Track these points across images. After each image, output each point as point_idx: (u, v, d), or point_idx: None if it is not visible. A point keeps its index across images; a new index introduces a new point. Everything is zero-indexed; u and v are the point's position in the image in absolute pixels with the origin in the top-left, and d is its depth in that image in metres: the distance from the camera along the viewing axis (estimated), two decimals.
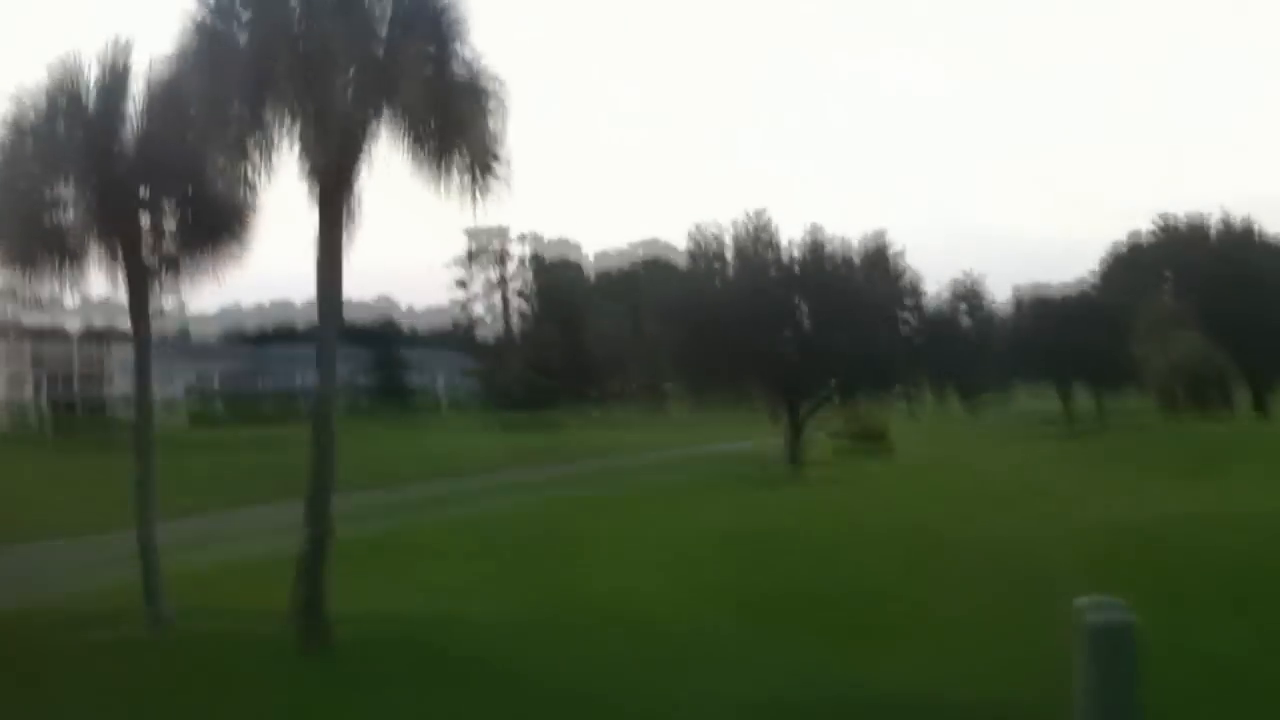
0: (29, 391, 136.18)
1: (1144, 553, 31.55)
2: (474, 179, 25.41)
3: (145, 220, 26.71)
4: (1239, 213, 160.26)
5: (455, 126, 25.12)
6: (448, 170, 25.31)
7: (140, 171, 26.34)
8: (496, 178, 25.54)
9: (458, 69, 25.33)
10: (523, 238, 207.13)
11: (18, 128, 25.63)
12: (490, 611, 28.10)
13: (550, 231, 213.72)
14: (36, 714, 20.04)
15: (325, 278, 25.55)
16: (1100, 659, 12.43)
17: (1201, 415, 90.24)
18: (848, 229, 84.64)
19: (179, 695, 21.08)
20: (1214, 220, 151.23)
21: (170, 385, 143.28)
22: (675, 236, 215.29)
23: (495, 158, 25.53)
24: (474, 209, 25.37)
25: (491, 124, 25.42)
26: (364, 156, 25.07)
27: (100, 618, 27.67)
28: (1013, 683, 18.98)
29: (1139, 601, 13.52)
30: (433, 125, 25.12)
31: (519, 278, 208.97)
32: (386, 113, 25.02)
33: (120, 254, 26.58)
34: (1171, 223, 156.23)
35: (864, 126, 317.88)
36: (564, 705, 19.69)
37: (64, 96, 25.91)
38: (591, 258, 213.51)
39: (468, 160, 25.30)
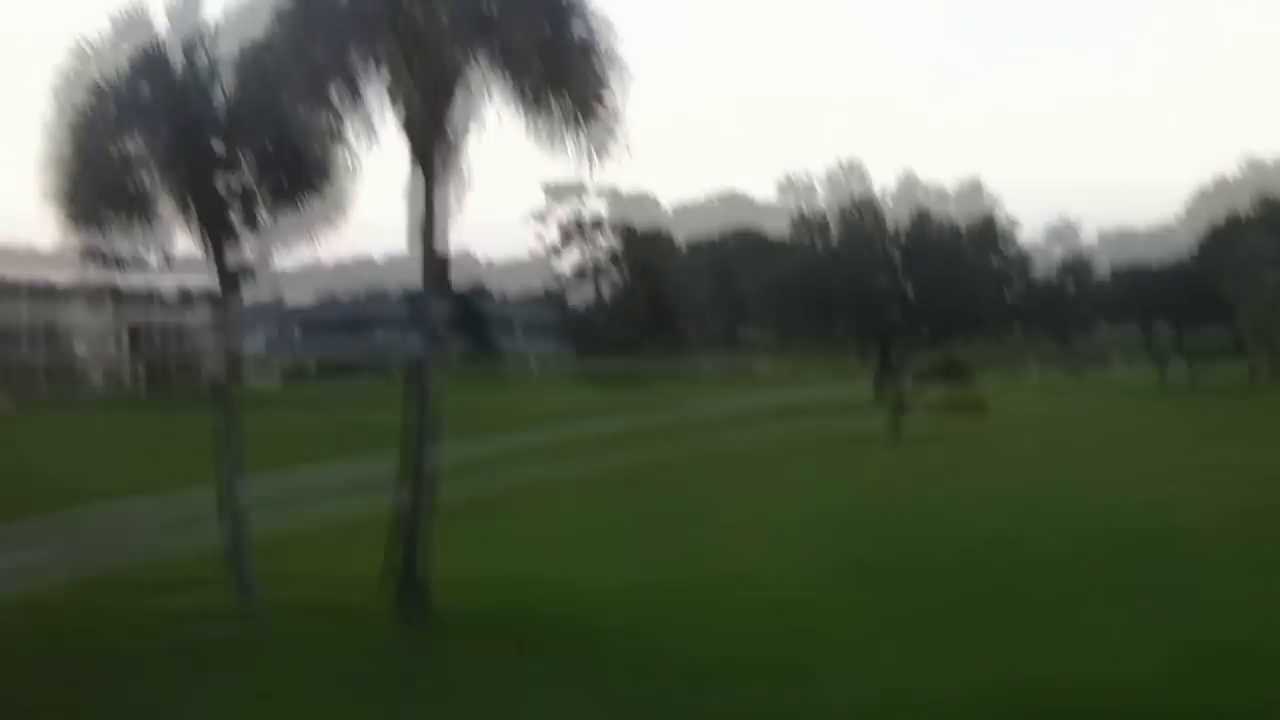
0: (122, 353, 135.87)
1: None
2: (578, 130, 23.95)
3: (230, 180, 25.05)
4: None
5: (560, 72, 23.63)
6: (548, 120, 23.89)
7: (224, 130, 24.72)
8: (603, 129, 24.06)
9: (563, 10, 23.84)
10: (600, 192, 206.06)
11: (97, 86, 23.87)
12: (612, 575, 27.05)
13: (625, 183, 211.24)
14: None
15: (423, 233, 24.24)
16: None
17: None
18: (935, 172, 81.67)
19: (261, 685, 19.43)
20: None
21: (258, 343, 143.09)
22: (753, 185, 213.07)
23: (602, 107, 23.98)
24: (579, 160, 23.89)
25: (599, 71, 23.89)
26: (460, 106, 23.72)
27: (183, 582, 26.74)
28: None
29: None
30: (536, 72, 23.64)
31: (600, 232, 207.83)
32: (485, 60, 23.62)
33: (204, 215, 24.90)
34: (1257, 163, 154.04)
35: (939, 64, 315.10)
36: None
37: (143, 53, 24.15)
38: (670, 213, 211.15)
39: (572, 110, 23.80)
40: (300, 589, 25.82)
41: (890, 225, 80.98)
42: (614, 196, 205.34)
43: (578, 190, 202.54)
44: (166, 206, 24.79)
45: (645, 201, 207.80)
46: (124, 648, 21.75)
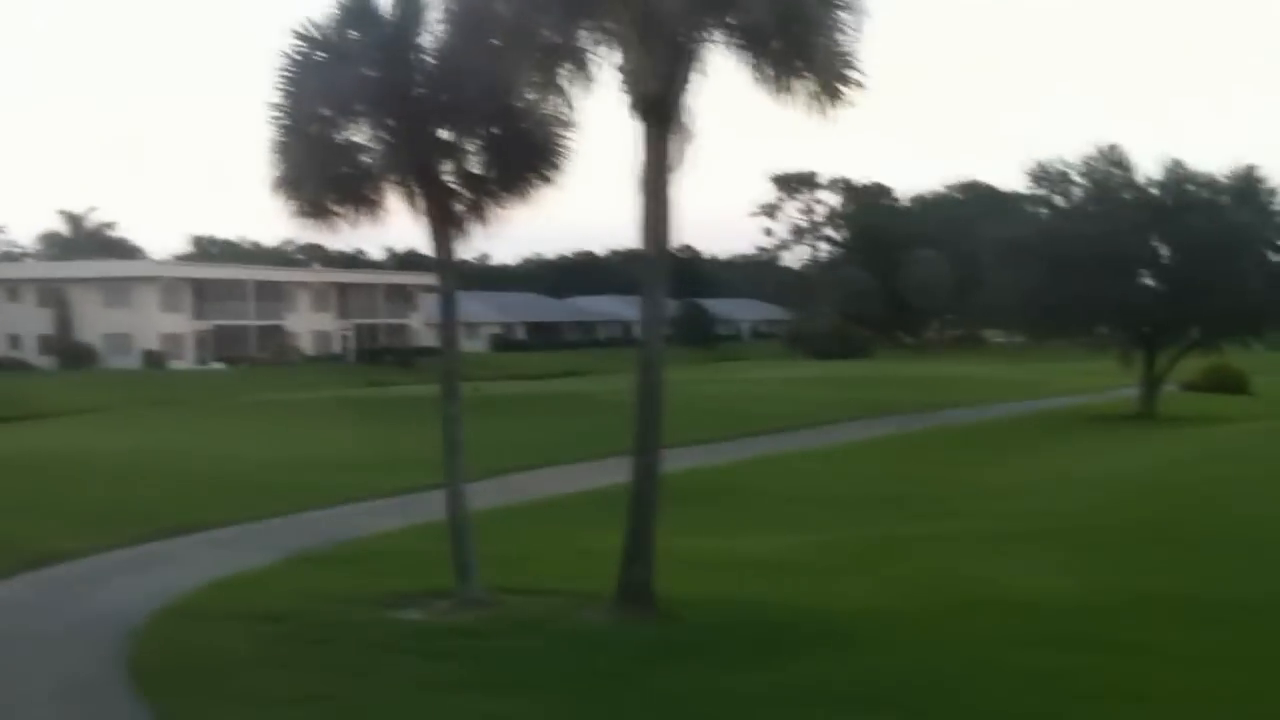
0: (340, 343, 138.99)
1: None
2: (821, 105, 22.77)
3: (448, 164, 23.85)
4: None
5: (803, 50, 22.30)
6: (789, 96, 22.77)
7: (441, 111, 23.71)
8: (847, 104, 22.91)
9: None
10: (833, 184, 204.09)
11: (304, 63, 22.87)
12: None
13: (861, 176, 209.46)
14: None
15: (651, 220, 23.30)
16: None
17: None
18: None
19: None
20: None
21: (475, 338, 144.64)
22: (996, 179, 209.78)
23: (846, 81, 22.70)
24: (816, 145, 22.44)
25: (844, 47, 22.51)
26: (693, 83, 22.60)
27: (408, 593, 25.46)
28: None
29: None
30: (777, 50, 22.47)
31: (829, 224, 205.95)
32: (721, 32, 22.50)
33: (422, 202, 23.73)
34: None
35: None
36: None
37: (353, 28, 23.14)
38: (906, 202, 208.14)
39: (814, 84, 22.53)
40: (529, 606, 24.46)
41: (1144, 186, 78.04)
42: (845, 186, 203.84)
43: (808, 181, 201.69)
44: (380, 192, 23.95)
45: (878, 190, 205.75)
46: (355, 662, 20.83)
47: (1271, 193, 78.43)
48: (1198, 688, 18.51)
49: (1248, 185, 77.94)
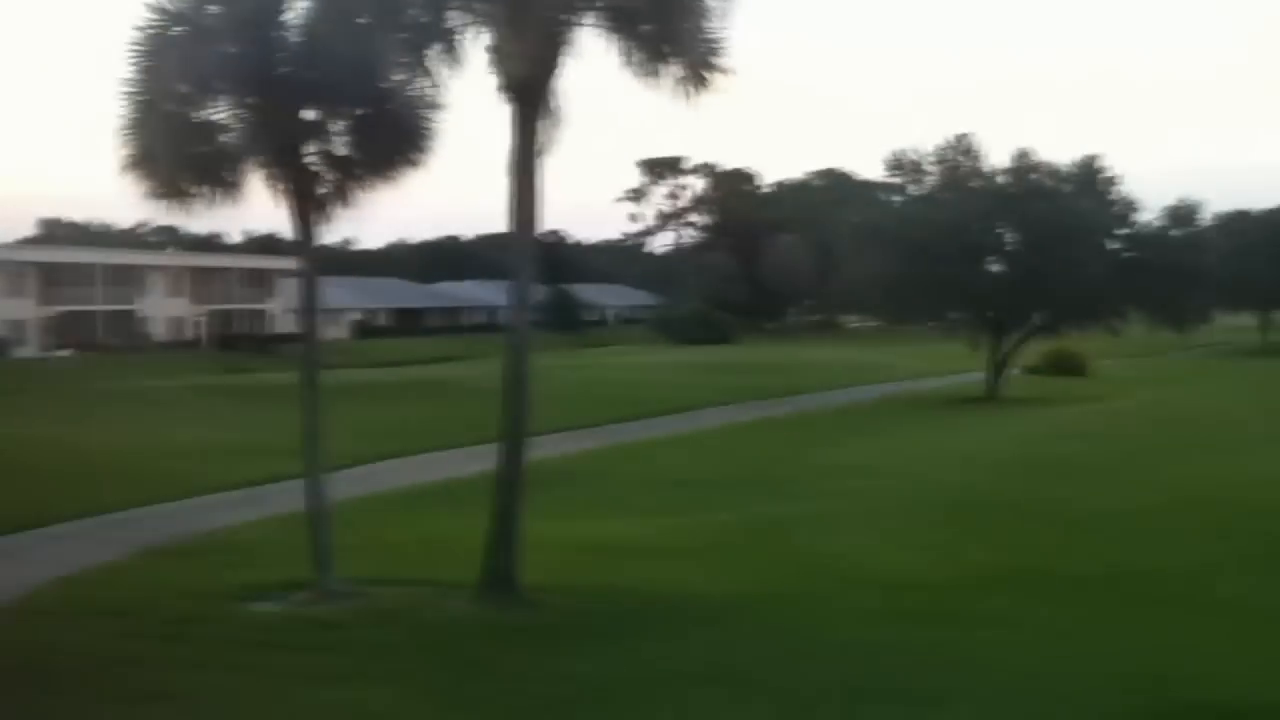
0: (196, 329, 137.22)
1: None
2: (689, 90, 22.82)
3: (312, 145, 23.31)
4: None
5: (672, 34, 22.36)
6: (658, 80, 22.75)
7: (306, 90, 23.07)
8: (714, 90, 22.98)
9: None
10: (697, 169, 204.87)
11: (160, 38, 22.22)
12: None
13: (726, 162, 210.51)
14: None
15: (519, 204, 23.27)
16: None
17: None
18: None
19: None
20: None
21: (337, 324, 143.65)
22: (855, 167, 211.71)
23: (713, 66, 22.74)
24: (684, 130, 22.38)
25: (712, 28, 22.58)
26: (563, 66, 22.58)
27: (266, 585, 24.89)
28: None
29: None
30: (647, 34, 22.48)
31: (695, 210, 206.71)
32: (592, 15, 22.51)
33: (284, 184, 23.21)
34: None
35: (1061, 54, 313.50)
36: None
37: (213, 3, 22.56)
38: (768, 188, 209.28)
39: (683, 69, 22.52)
40: (394, 598, 24.09)
41: (992, 175, 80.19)
42: (712, 174, 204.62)
43: (674, 166, 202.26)
44: (241, 173, 23.22)
45: (742, 176, 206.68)
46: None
47: (1111, 182, 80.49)
48: (1043, 657, 19.08)
49: (1089, 175, 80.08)
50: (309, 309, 25.21)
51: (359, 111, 23.35)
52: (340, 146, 23.47)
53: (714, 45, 22.45)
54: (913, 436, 55.93)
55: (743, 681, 17.83)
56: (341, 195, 23.56)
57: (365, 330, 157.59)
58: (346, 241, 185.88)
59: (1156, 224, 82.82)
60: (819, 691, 17.15)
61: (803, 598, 23.86)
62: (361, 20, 22.33)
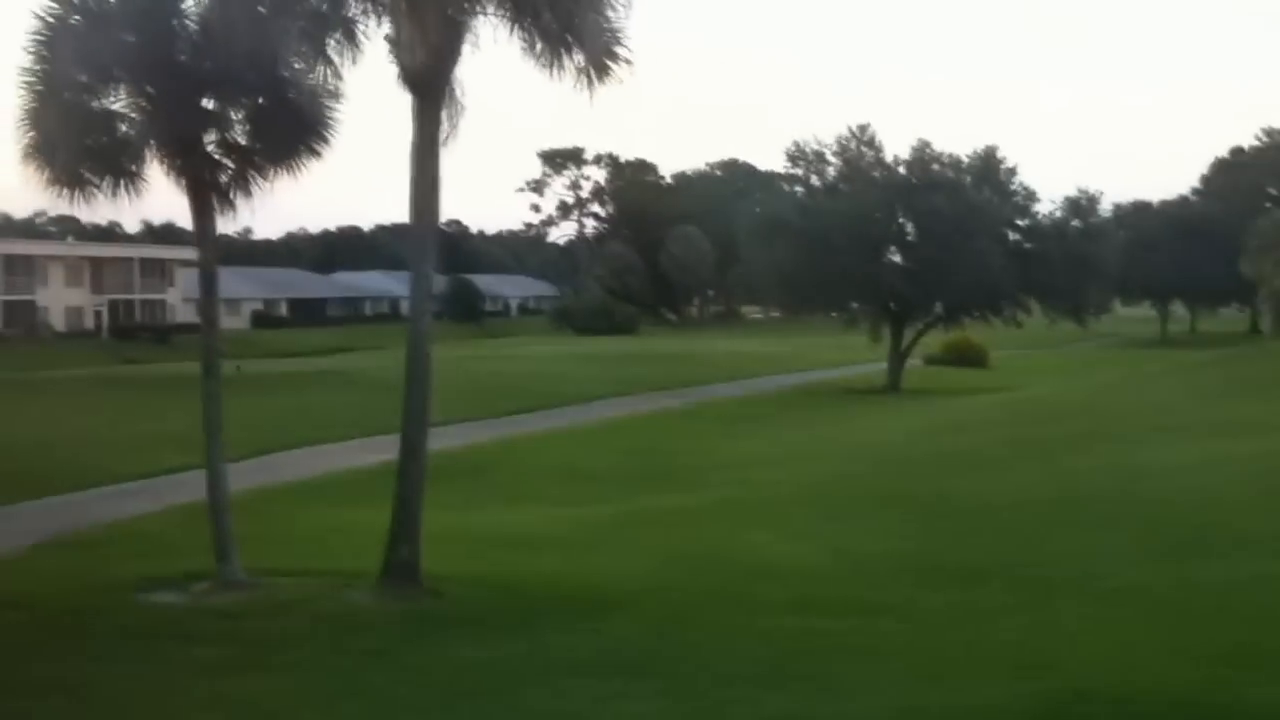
0: (91, 319, 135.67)
1: None
2: (590, 81, 22.74)
3: (211, 135, 23.22)
4: None
5: (572, 25, 22.27)
6: (560, 71, 22.67)
7: (205, 79, 22.94)
8: (615, 80, 23.00)
9: None
10: (598, 159, 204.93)
11: (58, 26, 22.03)
12: None
13: (626, 153, 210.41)
14: None
15: (419, 194, 23.23)
16: None
17: None
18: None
19: None
20: None
21: (237, 314, 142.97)
22: (757, 159, 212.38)
23: (615, 57, 22.76)
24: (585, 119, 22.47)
25: (613, 24, 22.62)
26: (463, 55, 22.67)
27: (165, 577, 24.65)
28: None
29: None
30: (547, 24, 22.39)
31: (595, 201, 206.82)
32: (492, 5, 22.41)
33: (184, 173, 23.08)
34: (1276, 135, 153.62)
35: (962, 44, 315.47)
36: None
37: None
38: (669, 179, 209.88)
39: (584, 60, 22.50)
40: (294, 589, 24.00)
41: (892, 164, 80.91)
42: (611, 162, 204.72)
43: (575, 157, 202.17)
44: (140, 163, 23.06)
45: (643, 167, 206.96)
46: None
47: (1011, 173, 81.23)
48: (938, 646, 19.18)
49: (988, 166, 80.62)
50: (208, 299, 25.07)
51: (259, 100, 23.23)
52: (240, 135, 23.38)
53: (615, 36, 22.47)
54: (813, 428, 56.25)
55: (642, 671, 17.82)
56: (241, 184, 23.46)
57: (265, 320, 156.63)
58: (246, 231, 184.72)
59: (1056, 215, 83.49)
60: (719, 680, 17.20)
61: (702, 588, 23.96)
62: (261, 9, 22.18)
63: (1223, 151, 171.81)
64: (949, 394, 72.67)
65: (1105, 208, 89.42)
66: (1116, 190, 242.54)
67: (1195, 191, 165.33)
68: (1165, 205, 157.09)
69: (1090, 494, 33.03)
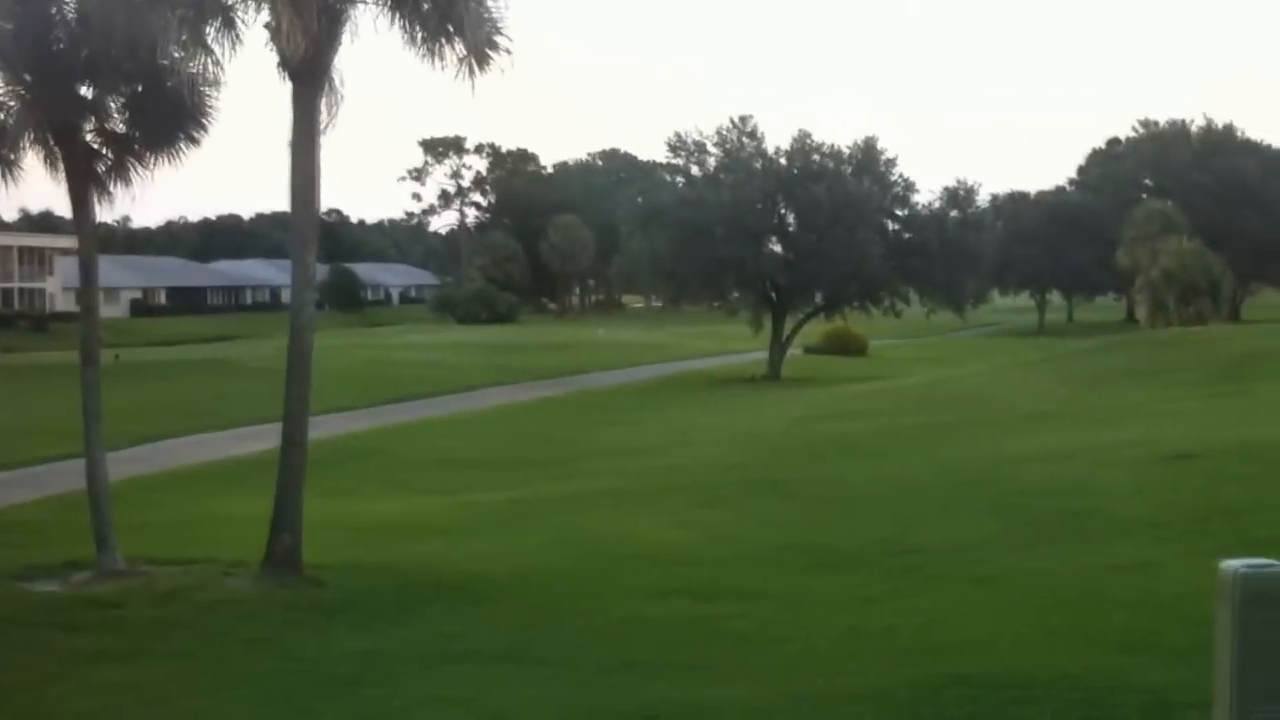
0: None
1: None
2: (470, 70, 22.59)
3: (90, 123, 23.09)
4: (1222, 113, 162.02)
5: (453, 14, 22.32)
6: (440, 60, 22.69)
7: (83, 67, 22.93)
8: (494, 69, 22.95)
9: None
10: (479, 149, 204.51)
11: None
12: None
13: (507, 143, 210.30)
14: None
15: (299, 183, 23.11)
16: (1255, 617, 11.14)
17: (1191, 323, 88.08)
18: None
19: None
20: (1195, 124, 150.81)
21: (116, 303, 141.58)
22: (638, 149, 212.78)
23: (495, 46, 22.72)
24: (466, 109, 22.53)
25: (493, 14, 22.71)
26: (343, 44, 22.65)
27: (44, 566, 24.48)
28: None
29: None
30: (427, 13, 22.50)
31: (476, 190, 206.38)
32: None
33: (62, 161, 22.94)
34: (1152, 126, 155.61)
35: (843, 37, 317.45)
36: None
37: None
38: (550, 169, 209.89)
39: (464, 49, 22.44)
40: (176, 577, 23.87)
41: (773, 155, 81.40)
42: (492, 152, 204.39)
43: (456, 146, 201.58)
44: (17, 150, 23.07)
45: (524, 157, 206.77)
46: None
47: (890, 164, 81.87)
48: (820, 631, 19.38)
49: (868, 157, 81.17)
50: (87, 288, 24.90)
51: (137, 88, 23.21)
52: (119, 123, 23.34)
53: (495, 26, 22.49)
54: (693, 416, 56.51)
55: (525, 658, 17.97)
56: (120, 172, 23.39)
57: (144, 309, 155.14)
58: (125, 219, 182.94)
59: (935, 205, 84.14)
60: (600, 667, 17.36)
61: (584, 575, 24.08)
62: None
63: (1099, 143, 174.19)
64: (829, 383, 73.07)
65: (983, 199, 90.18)
66: (996, 182, 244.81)
67: (1072, 182, 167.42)
68: (1042, 196, 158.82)
69: (968, 480, 33.34)
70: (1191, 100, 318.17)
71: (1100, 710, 14.02)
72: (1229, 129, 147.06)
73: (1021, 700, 14.79)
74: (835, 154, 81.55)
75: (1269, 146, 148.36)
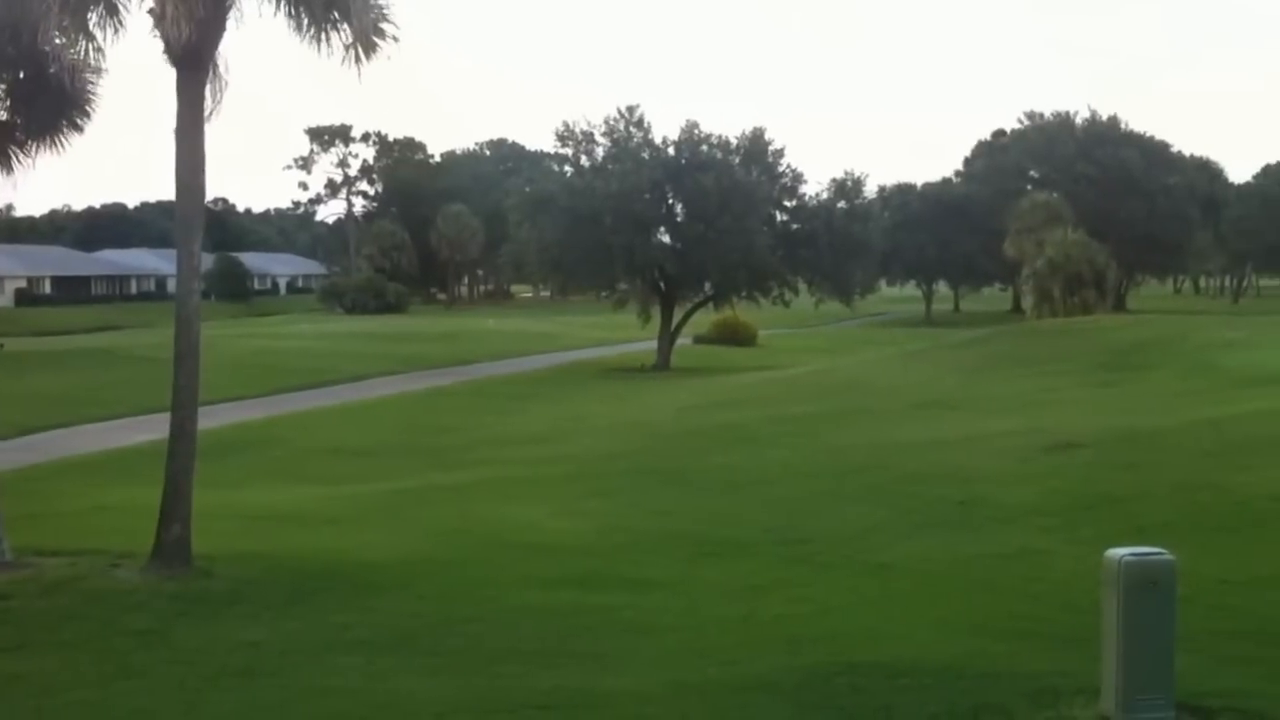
0: None
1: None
2: (357, 57, 22.43)
3: None
4: (1105, 109, 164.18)
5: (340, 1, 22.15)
6: (327, 46, 22.55)
7: None
8: (381, 56, 22.83)
9: None
10: (366, 137, 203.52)
11: None
12: None
13: (394, 132, 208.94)
14: None
15: (184, 171, 22.75)
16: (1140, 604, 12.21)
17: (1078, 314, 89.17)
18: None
19: None
20: (1080, 116, 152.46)
21: (1, 292, 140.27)
22: (526, 139, 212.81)
23: (381, 33, 22.62)
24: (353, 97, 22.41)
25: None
26: (228, 30, 22.34)
27: None
28: None
29: None
30: None
31: (364, 179, 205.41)
32: None
33: None
34: (1037, 118, 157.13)
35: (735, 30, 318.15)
36: None
37: None
38: (438, 158, 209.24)
39: (350, 36, 22.26)
40: (64, 568, 23.64)
41: (661, 145, 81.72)
42: (379, 141, 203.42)
43: (343, 135, 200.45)
44: None
45: (412, 145, 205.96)
46: None
47: (779, 154, 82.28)
48: (712, 620, 19.50)
49: (756, 147, 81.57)
50: None
51: (19, 75, 22.93)
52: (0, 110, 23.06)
53: (382, 13, 22.39)
54: (582, 406, 56.57)
55: (417, 647, 17.91)
56: (1, 160, 23.12)
57: (28, 298, 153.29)
58: (7, 207, 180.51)
59: (823, 196, 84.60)
60: (492, 657, 17.32)
61: (477, 564, 24.11)
62: None
63: (985, 134, 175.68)
64: (718, 372, 73.55)
65: (870, 190, 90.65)
66: (885, 178, 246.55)
67: (958, 173, 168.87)
68: (928, 187, 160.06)
69: (855, 469, 33.65)
70: (1077, 101, 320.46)
71: (989, 697, 14.05)
72: (1113, 120, 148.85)
73: (911, 688, 14.77)
74: (723, 144, 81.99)
75: (1152, 138, 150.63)
